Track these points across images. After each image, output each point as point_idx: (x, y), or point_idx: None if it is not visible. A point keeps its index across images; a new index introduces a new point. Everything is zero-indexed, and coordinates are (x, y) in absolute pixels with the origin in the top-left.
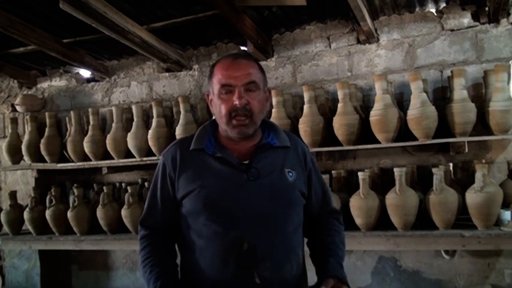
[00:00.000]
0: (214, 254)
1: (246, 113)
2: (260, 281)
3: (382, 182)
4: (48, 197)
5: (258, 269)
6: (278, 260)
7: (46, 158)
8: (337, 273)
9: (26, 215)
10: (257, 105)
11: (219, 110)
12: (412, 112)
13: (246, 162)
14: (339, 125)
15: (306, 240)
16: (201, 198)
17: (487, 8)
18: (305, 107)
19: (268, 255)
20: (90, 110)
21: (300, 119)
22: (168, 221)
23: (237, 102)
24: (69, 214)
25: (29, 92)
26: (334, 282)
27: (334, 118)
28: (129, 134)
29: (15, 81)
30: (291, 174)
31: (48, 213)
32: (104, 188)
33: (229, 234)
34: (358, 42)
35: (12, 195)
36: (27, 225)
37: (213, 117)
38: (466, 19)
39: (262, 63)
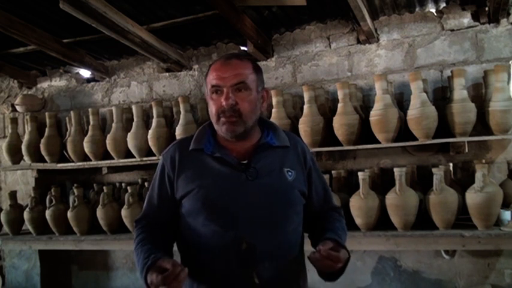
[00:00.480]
0: (213, 253)
1: (234, 114)
2: (259, 281)
3: (382, 182)
4: (48, 197)
5: (257, 269)
6: (277, 259)
7: (46, 158)
8: (336, 238)
9: (26, 215)
10: (247, 106)
11: (210, 110)
12: (412, 112)
13: (245, 162)
14: (339, 125)
15: (307, 236)
16: (200, 198)
17: (487, 8)
18: (305, 107)
19: (268, 255)
20: (90, 110)
21: (300, 119)
22: (164, 221)
23: (224, 103)
24: (69, 214)
25: (29, 92)
26: (332, 245)
27: (334, 118)
28: (129, 134)
29: (15, 81)
30: (290, 173)
31: (48, 213)
32: (104, 188)
33: (228, 234)
34: (358, 42)
35: (12, 195)
36: (27, 225)
37: None
38: (466, 19)
39: (262, 63)
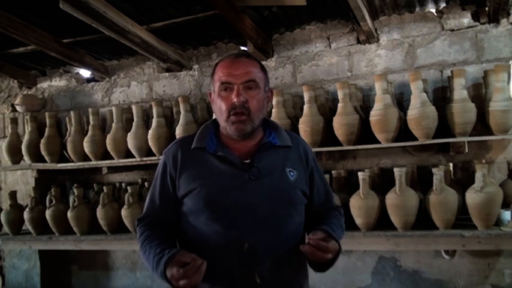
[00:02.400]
0: (214, 253)
1: (244, 111)
2: (261, 280)
3: (382, 182)
4: (48, 197)
5: (259, 269)
6: (279, 259)
7: (46, 158)
8: (328, 229)
9: (26, 215)
10: (256, 104)
11: (218, 107)
12: (412, 112)
13: (247, 161)
14: (339, 125)
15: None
16: (202, 197)
17: (487, 8)
18: (305, 107)
19: (269, 255)
20: (90, 110)
21: (300, 119)
22: (166, 220)
23: (235, 99)
24: (69, 214)
25: (29, 92)
26: (323, 235)
27: (334, 118)
28: (129, 134)
29: (15, 81)
30: (292, 173)
31: (48, 213)
32: (104, 188)
33: (230, 234)
34: (358, 42)
35: (12, 195)
36: (27, 225)
37: (214, 117)
38: (466, 19)
39: (262, 63)
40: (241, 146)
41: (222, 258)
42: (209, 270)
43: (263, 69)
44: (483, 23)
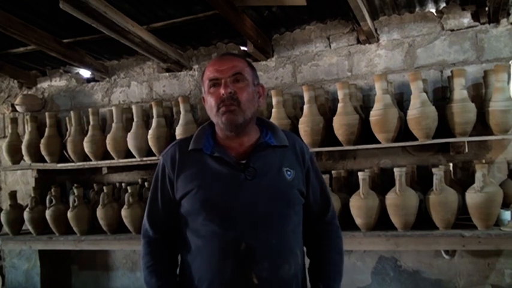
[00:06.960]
0: (212, 253)
1: (233, 102)
2: (258, 281)
3: (382, 182)
4: (48, 197)
5: (256, 269)
6: (276, 260)
7: (46, 158)
8: None
9: (26, 215)
10: (245, 95)
11: (209, 104)
12: (412, 112)
13: (244, 161)
14: (339, 125)
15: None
16: (198, 198)
17: (487, 8)
18: (305, 107)
19: (266, 255)
20: (90, 110)
21: (300, 119)
22: (170, 222)
23: (223, 91)
24: (69, 214)
25: (29, 92)
26: None
27: (334, 118)
28: (129, 134)
29: (15, 81)
30: (289, 173)
31: (48, 213)
32: (104, 188)
33: (227, 234)
34: (358, 42)
35: (12, 195)
36: (27, 225)
37: None
38: (466, 19)
39: (262, 63)
40: (238, 146)
41: (219, 259)
42: (207, 270)
43: (250, 65)
44: (483, 23)
